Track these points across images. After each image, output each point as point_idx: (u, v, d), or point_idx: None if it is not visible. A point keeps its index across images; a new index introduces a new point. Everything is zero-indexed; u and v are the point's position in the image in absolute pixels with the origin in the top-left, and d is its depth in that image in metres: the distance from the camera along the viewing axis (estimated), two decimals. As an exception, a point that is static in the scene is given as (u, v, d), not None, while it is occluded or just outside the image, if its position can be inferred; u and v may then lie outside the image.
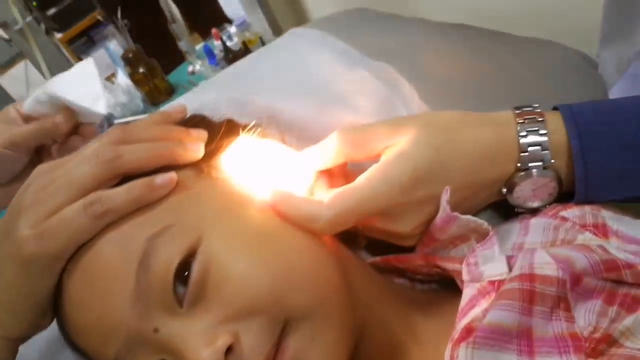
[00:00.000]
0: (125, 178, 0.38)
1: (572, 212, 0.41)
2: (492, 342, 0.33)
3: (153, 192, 0.37)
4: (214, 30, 1.29)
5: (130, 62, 1.29)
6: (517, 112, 0.43)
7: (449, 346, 0.35)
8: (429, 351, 0.38)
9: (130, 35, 1.24)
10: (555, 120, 0.42)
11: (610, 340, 0.33)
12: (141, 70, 1.29)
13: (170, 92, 1.34)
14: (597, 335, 0.33)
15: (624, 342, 0.33)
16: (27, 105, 0.54)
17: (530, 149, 0.41)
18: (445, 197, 0.40)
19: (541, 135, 0.41)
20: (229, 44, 1.25)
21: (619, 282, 0.36)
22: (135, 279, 0.34)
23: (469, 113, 0.43)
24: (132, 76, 1.30)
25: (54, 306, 0.39)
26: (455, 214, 0.39)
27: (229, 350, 0.33)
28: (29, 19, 1.36)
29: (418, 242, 0.44)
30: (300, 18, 1.78)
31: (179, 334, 0.34)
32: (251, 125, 0.45)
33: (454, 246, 0.43)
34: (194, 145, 0.41)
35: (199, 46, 1.48)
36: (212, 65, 1.29)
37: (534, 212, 0.44)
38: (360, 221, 0.40)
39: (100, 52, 2.57)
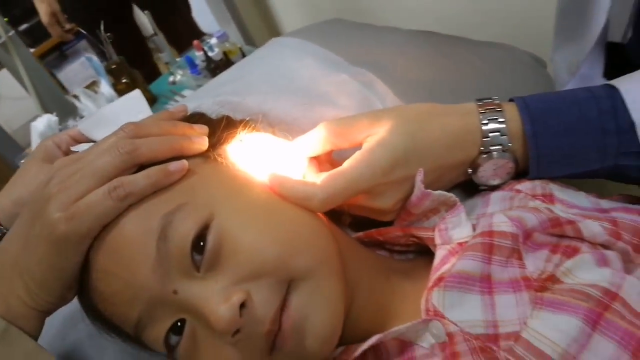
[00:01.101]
0: (141, 167, 0.43)
1: (525, 185, 0.49)
2: (459, 286, 0.40)
3: (168, 177, 0.42)
4: (195, 42, 1.35)
5: (113, 73, 1.33)
6: (479, 103, 0.50)
7: (424, 294, 0.42)
8: (408, 305, 0.45)
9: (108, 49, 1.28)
10: (512, 110, 0.49)
11: (554, 279, 0.41)
12: (124, 80, 1.33)
13: (153, 101, 1.38)
14: (543, 276, 0.41)
15: (564, 280, 0.40)
16: (84, 127, 0.58)
17: (491, 134, 0.48)
18: (419, 177, 0.46)
19: (500, 122, 0.48)
20: (210, 54, 1.30)
21: (562, 237, 0.44)
22: (156, 248, 0.40)
23: (437, 105, 0.50)
24: (115, 86, 1.34)
25: (80, 281, 0.44)
26: (429, 190, 0.46)
27: (242, 306, 0.39)
28: (11, 33, 1.39)
29: (396, 217, 0.51)
30: (272, 31, 1.84)
31: (197, 294, 0.40)
32: (246, 120, 0.51)
33: (427, 218, 0.50)
34: (199, 138, 0.46)
35: (179, 58, 1.53)
36: (194, 75, 1.34)
37: (494, 188, 0.51)
38: (347, 200, 0.47)
39: (78, 63, 2.59)
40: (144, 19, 1.43)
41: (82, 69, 2.65)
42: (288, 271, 0.40)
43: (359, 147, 0.49)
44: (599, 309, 0.37)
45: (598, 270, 0.41)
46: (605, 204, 0.49)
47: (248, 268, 0.40)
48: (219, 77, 0.74)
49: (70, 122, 1.34)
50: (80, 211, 0.40)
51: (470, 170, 0.50)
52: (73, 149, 0.59)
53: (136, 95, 0.59)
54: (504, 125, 0.48)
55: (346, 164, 0.46)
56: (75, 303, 0.48)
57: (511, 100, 0.50)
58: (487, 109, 0.49)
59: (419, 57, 0.64)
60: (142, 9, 1.51)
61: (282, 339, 0.40)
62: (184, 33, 1.83)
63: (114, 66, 1.32)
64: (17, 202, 0.55)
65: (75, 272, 0.43)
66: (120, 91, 1.35)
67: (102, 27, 1.31)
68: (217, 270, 0.40)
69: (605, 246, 0.44)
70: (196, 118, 0.52)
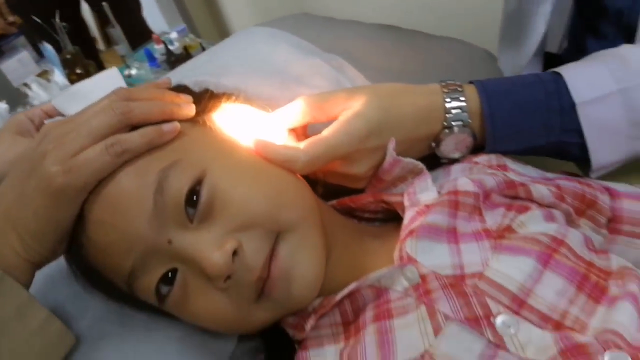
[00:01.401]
0: (133, 128, 0.46)
1: (482, 158, 0.55)
2: (429, 235, 0.46)
3: (162, 136, 0.45)
4: (154, 35, 1.35)
5: (67, 63, 1.32)
6: (443, 84, 0.55)
7: (398, 245, 0.46)
8: (380, 260, 0.49)
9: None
10: (471, 91, 0.55)
11: (510, 230, 0.47)
12: (78, 71, 1.32)
13: (108, 93, 1.37)
14: (501, 228, 0.47)
15: (518, 231, 0.46)
16: (58, 102, 0.58)
17: (453, 111, 0.54)
18: (392, 145, 0.51)
19: (461, 101, 0.54)
20: (171, 47, 1.32)
21: (515, 198, 0.50)
22: (153, 200, 0.42)
23: (406, 85, 0.55)
24: (69, 76, 1.32)
25: (72, 235, 0.46)
26: (399, 157, 0.51)
27: (234, 254, 0.42)
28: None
29: (367, 185, 0.56)
30: (222, 32, 1.86)
31: (191, 243, 0.43)
32: (228, 93, 0.54)
33: (395, 187, 0.55)
34: (187, 105, 0.49)
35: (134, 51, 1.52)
36: (154, 68, 1.35)
37: (454, 161, 0.57)
38: (326, 164, 0.51)
39: (15, 59, 2.50)
40: (88, 16, 1.41)
41: (19, 66, 2.55)
42: (276, 223, 0.44)
43: (333, 120, 0.53)
44: (549, 251, 0.43)
45: (546, 224, 0.47)
46: (549, 175, 0.56)
47: (239, 219, 0.43)
48: (192, 61, 0.77)
49: (20, 111, 1.31)
50: (78, 165, 0.42)
51: (434, 144, 0.56)
52: (47, 122, 0.60)
53: (113, 72, 0.60)
54: (464, 104, 0.54)
55: (326, 131, 0.51)
56: (53, 265, 0.49)
57: (470, 82, 0.56)
58: (449, 89, 0.55)
59: (384, 46, 0.70)
60: (92, 4, 1.49)
61: (271, 285, 0.43)
62: (133, 31, 1.82)
63: (68, 56, 1.31)
64: None
65: (69, 225, 0.45)
66: (74, 82, 1.34)
67: (57, 16, 1.30)
68: (209, 221, 0.43)
69: (551, 207, 0.50)
70: (181, 89, 0.55)
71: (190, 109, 0.49)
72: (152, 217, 0.42)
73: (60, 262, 0.52)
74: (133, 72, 1.39)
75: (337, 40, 0.71)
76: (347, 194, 0.58)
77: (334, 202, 0.58)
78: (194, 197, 0.43)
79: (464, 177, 0.50)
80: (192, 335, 0.51)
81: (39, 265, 0.46)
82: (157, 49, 1.32)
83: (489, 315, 0.41)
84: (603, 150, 0.54)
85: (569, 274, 0.43)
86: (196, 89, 0.56)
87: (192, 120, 0.49)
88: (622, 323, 0.39)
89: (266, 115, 0.54)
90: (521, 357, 0.38)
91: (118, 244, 0.43)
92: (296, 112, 0.53)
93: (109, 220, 0.43)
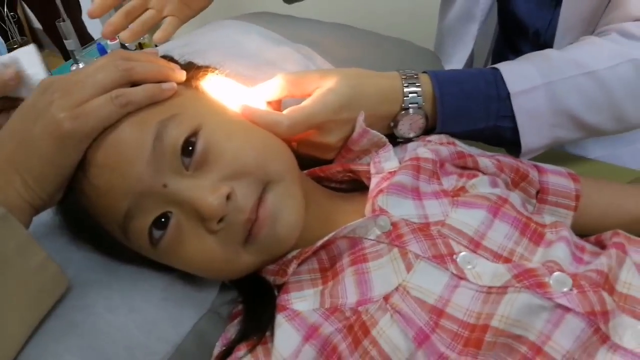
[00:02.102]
0: (132, 85, 0.50)
1: (433, 137, 0.64)
2: (397, 192, 0.53)
3: (162, 93, 0.50)
4: (107, 30, 1.37)
5: (14, 54, 1.30)
6: (401, 72, 0.64)
7: (369, 202, 0.54)
8: (350, 217, 0.55)
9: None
10: (425, 78, 0.64)
11: (464, 190, 0.55)
12: (24, 62, 1.30)
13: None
14: (456, 189, 0.55)
15: (470, 191, 0.55)
16: None
17: (410, 95, 0.62)
18: (361, 117, 0.59)
19: (417, 86, 0.63)
20: (126, 44, 1.34)
21: (464, 168, 0.59)
22: (152, 146, 0.47)
23: (370, 70, 0.63)
24: (15, 67, 1.31)
25: (70, 183, 0.49)
26: (368, 128, 0.59)
27: (227, 198, 0.47)
28: None
29: (336, 156, 0.63)
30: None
31: (187, 188, 0.48)
32: (212, 66, 0.60)
33: (360, 159, 0.63)
34: (179, 70, 0.55)
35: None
36: (104, 62, 1.34)
37: (409, 141, 0.65)
38: (304, 130, 0.57)
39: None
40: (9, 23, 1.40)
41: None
42: (265, 173, 0.50)
43: (306, 97, 0.60)
44: (496, 206, 0.52)
45: (491, 188, 0.56)
46: (489, 153, 0.65)
47: (232, 168, 0.49)
48: (165, 45, 0.81)
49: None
50: (86, 112, 0.46)
51: (392, 124, 0.64)
52: None
53: (30, 49, 0.61)
54: (419, 89, 0.63)
55: (304, 103, 0.57)
56: (35, 223, 0.51)
57: (424, 72, 0.65)
58: (407, 76, 0.63)
59: (343, 41, 0.78)
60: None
61: (259, 226, 0.49)
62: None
63: (15, 46, 1.30)
64: None
65: (71, 170, 0.48)
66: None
67: (5, 6, 1.29)
68: (204, 170, 0.49)
69: (493, 176, 0.60)
70: (168, 59, 0.59)
71: (182, 74, 0.54)
72: (150, 161, 0.47)
73: (41, 219, 0.54)
74: (81, 66, 1.39)
75: (301, 34, 0.78)
76: (315, 166, 0.64)
77: (305, 172, 0.64)
78: (190, 148, 0.48)
79: (422, 147, 0.59)
80: (175, 285, 0.55)
81: (37, 209, 0.49)
82: (111, 44, 1.33)
83: (452, 254, 0.49)
84: (531, 134, 0.65)
85: (513, 222, 0.52)
86: (181, 62, 0.61)
87: (185, 84, 0.54)
88: (559, 257, 0.48)
89: (247, 89, 0.60)
90: (479, 284, 0.46)
91: (118, 186, 0.47)
92: (275, 86, 0.60)
93: (111, 165, 0.47)
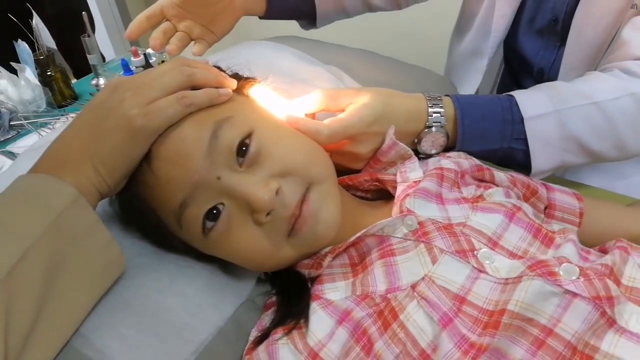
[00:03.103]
0: (193, 88, 0.56)
1: (453, 153, 0.70)
2: (423, 196, 0.59)
3: (219, 97, 0.56)
4: (133, 48, 1.43)
5: (40, 63, 1.35)
6: (426, 94, 0.70)
7: (397, 204, 0.59)
8: (377, 219, 0.60)
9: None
10: (447, 101, 0.70)
11: (482, 198, 0.62)
12: (48, 72, 1.36)
13: (75, 98, 1.42)
14: (475, 197, 0.61)
15: (487, 199, 0.61)
16: None
17: (434, 115, 0.69)
18: (391, 130, 0.65)
19: (440, 107, 0.69)
20: (150, 60, 1.40)
21: (482, 181, 0.65)
22: (208, 143, 0.52)
23: (398, 91, 0.70)
24: (41, 76, 1.36)
25: (133, 175, 0.54)
26: (397, 141, 0.65)
27: (276, 193, 0.53)
28: None
29: (365, 166, 0.69)
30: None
31: (240, 182, 0.53)
32: (257, 78, 0.66)
33: (386, 170, 0.68)
34: (231, 78, 0.60)
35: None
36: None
37: (430, 157, 0.71)
38: (342, 140, 0.63)
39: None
40: (44, 32, 1.46)
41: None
42: (309, 174, 0.55)
43: (340, 111, 0.66)
44: (512, 212, 0.58)
45: (506, 198, 0.62)
46: (503, 169, 0.72)
47: (280, 167, 0.54)
48: (209, 57, 0.87)
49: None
50: (155, 110, 0.52)
51: (416, 140, 0.70)
52: None
53: None
54: (442, 110, 0.69)
55: (341, 115, 0.64)
56: None
57: (447, 95, 0.72)
58: (431, 98, 0.70)
59: (368, 65, 0.85)
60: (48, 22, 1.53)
61: (301, 222, 0.54)
62: (77, 55, 1.85)
63: (41, 57, 1.35)
64: None
65: (137, 161, 0.53)
66: (44, 84, 1.38)
67: (34, 18, 1.35)
68: (255, 167, 0.54)
69: (507, 188, 0.66)
70: (217, 69, 0.65)
71: (234, 82, 0.60)
72: (206, 155, 0.52)
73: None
74: (101, 81, 1.45)
75: (329, 56, 0.85)
76: (344, 176, 0.70)
77: (335, 179, 0.70)
78: (243, 148, 0.54)
79: (445, 159, 0.65)
80: (217, 274, 0.60)
81: (103, 195, 0.54)
82: (134, 61, 1.39)
83: (473, 250, 0.54)
84: (541, 157, 0.71)
85: (526, 227, 0.58)
86: (229, 72, 0.67)
87: (236, 92, 0.60)
88: (568, 254, 0.54)
89: (289, 100, 0.66)
90: (497, 277, 0.52)
91: (177, 177, 0.52)
92: (314, 100, 0.66)
93: (173, 158, 0.52)
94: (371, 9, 1.07)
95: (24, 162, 0.71)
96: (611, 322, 0.47)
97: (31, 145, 0.80)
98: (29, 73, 1.34)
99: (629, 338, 0.46)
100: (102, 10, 2.86)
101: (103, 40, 2.91)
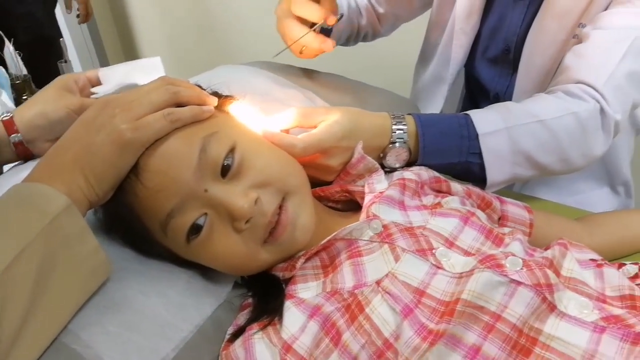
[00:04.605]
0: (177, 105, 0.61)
1: (414, 168, 0.76)
2: (388, 202, 0.66)
3: (203, 113, 0.61)
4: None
5: (16, 88, 1.38)
6: (390, 113, 0.77)
7: (364, 211, 0.65)
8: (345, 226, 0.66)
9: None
10: (410, 119, 0.77)
11: (439, 205, 0.68)
12: (24, 97, 1.39)
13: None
14: (433, 204, 0.67)
15: (445, 206, 0.67)
16: (102, 73, 0.69)
17: (397, 132, 0.75)
18: (359, 145, 0.71)
19: (403, 125, 0.76)
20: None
21: (439, 191, 0.71)
22: (198, 157, 0.57)
23: (366, 110, 0.76)
24: (17, 100, 1.39)
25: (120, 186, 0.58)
26: (365, 155, 0.71)
27: (255, 202, 0.57)
28: None
29: (336, 178, 0.74)
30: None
31: (223, 192, 0.58)
32: (235, 96, 0.72)
33: (355, 182, 0.74)
34: (212, 96, 0.66)
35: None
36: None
37: (394, 170, 0.77)
38: (315, 153, 0.69)
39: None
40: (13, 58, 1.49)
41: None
42: (285, 184, 0.61)
43: (313, 128, 0.72)
44: (466, 216, 0.65)
45: (461, 205, 0.69)
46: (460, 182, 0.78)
47: (260, 178, 0.60)
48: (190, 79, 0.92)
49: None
50: (143, 125, 0.56)
51: (382, 155, 0.76)
52: (94, 90, 0.71)
53: (156, 61, 0.72)
54: (405, 127, 0.76)
55: (314, 131, 0.69)
56: None
57: (409, 114, 0.79)
58: (395, 116, 0.77)
59: (338, 87, 0.91)
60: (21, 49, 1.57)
61: (281, 229, 0.59)
62: (47, 80, 1.89)
63: (17, 82, 1.38)
64: (37, 114, 0.67)
65: (126, 172, 0.57)
66: (19, 105, 1.40)
67: (11, 43, 1.39)
68: (237, 179, 0.59)
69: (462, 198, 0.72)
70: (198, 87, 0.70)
71: (215, 100, 0.65)
72: (196, 169, 0.57)
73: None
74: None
75: (301, 80, 0.91)
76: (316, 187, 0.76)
77: (307, 191, 0.76)
78: (227, 162, 0.59)
79: (407, 171, 0.71)
80: (197, 278, 0.64)
81: (92, 204, 0.57)
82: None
83: (432, 249, 0.60)
84: (495, 170, 0.78)
85: (479, 229, 0.64)
86: (208, 91, 0.72)
87: (217, 109, 0.65)
88: (515, 250, 0.60)
89: (265, 117, 0.72)
90: (453, 272, 0.58)
91: (168, 188, 0.57)
92: (289, 117, 0.72)
93: (163, 170, 0.57)
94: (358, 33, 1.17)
95: (4, 184, 0.73)
96: (552, 307, 0.53)
97: (10, 169, 0.82)
98: (5, 97, 1.37)
99: (568, 321, 0.52)
100: (75, 38, 2.89)
101: (76, 67, 2.94)
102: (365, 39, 1.23)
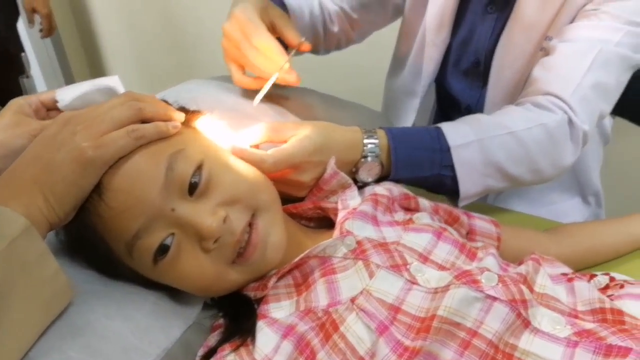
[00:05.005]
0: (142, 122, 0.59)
1: (385, 183, 0.75)
2: (361, 218, 0.65)
3: (169, 130, 0.59)
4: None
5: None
6: (362, 128, 0.76)
7: (337, 227, 0.64)
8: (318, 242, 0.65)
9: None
10: (381, 132, 0.76)
11: (411, 222, 0.67)
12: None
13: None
14: (405, 220, 0.67)
15: (416, 222, 0.67)
16: (59, 94, 0.65)
17: (369, 146, 0.75)
18: (332, 161, 0.70)
19: (375, 139, 0.75)
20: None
21: (408, 209, 0.71)
22: (164, 176, 0.55)
23: (337, 125, 0.76)
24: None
25: (82, 206, 0.56)
26: (338, 170, 0.70)
27: (223, 221, 0.56)
28: None
29: (308, 194, 0.73)
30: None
31: (191, 212, 0.56)
32: (203, 111, 0.70)
33: (328, 198, 0.73)
34: (178, 112, 0.64)
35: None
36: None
37: (367, 185, 0.76)
38: (284, 168, 0.67)
39: None
40: None
41: None
42: (254, 201, 0.59)
43: (283, 143, 0.71)
44: (439, 231, 0.64)
45: (432, 221, 0.68)
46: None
47: (228, 195, 0.58)
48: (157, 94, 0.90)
49: None
50: (106, 142, 0.54)
51: (354, 169, 0.75)
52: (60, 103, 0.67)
53: (114, 80, 0.70)
54: (377, 141, 0.75)
55: (284, 146, 0.68)
56: None
57: (381, 128, 0.78)
58: (367, 131, 0.76)
59: (309, 102, 0.90)
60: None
61: (252, 249, 0.58)
62: (9, 96, 1.84)
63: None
64: None
65: (88, 192, 0.55)
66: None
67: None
68: (204, 197, 0.57)
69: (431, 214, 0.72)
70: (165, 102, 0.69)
71: (181, 115, 0.63)
72: (163, 188, 0.55)
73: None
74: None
75: (272, 94, 0.90)
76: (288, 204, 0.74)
77: (279, 208, 0.74)
78: (194, 180, 0.57)
79: (379, 186, 0.70)
80: (164, 299, 0.62)
81: (52, 226, 0.54)
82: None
83: (406, 264, 0.59)
84: (467, 182, 0.78)
85: (453, 243, 0.63)
86: (175, 106, 0.71)
87: (184, 125, 0.64)
88: (489, 265, 0.60)
89: (235, 132, 0.70)
90: (428, 287, 0.57)
91: (133, 208, 0.55)
92: (258, 132, 0.70)
93: (128, 189, 0.55)
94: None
95: None
96: (526, 323, 0.53)
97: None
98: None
99: (542, 337, 0.52)
100: (38, 53, 2.83)
101: (39, 83, 2.87)
102: (338, 46, 1.22)
